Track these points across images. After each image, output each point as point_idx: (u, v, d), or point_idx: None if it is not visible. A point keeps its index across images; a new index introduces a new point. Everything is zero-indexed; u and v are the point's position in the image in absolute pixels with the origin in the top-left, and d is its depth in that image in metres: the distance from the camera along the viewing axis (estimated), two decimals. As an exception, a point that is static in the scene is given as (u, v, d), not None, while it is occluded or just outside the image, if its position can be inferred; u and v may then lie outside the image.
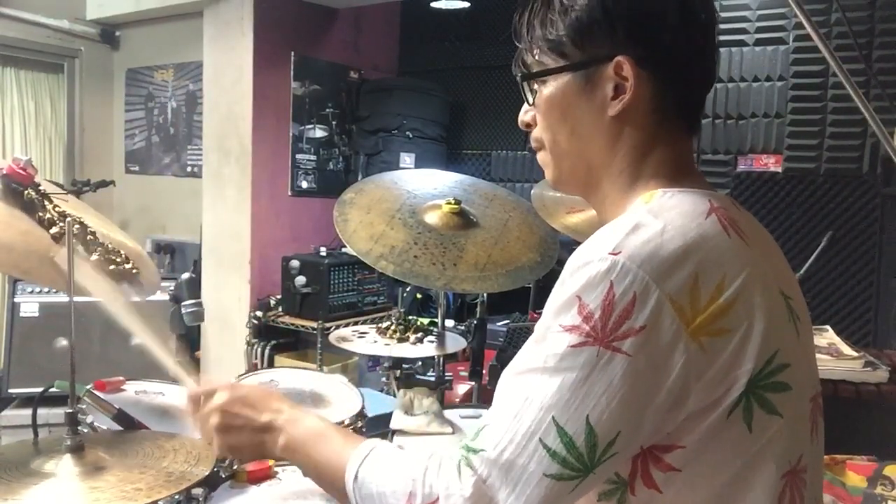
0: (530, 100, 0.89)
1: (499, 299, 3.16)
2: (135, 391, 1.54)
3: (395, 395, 1.84)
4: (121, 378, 1.55)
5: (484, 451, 0.72)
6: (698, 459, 0.73)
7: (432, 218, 1.78)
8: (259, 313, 3.77)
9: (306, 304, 3.57)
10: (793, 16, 3.27)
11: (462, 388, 3.06)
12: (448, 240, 1.73)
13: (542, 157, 0.92)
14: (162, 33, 4.68)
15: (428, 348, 1.94)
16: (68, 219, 1.00)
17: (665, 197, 0.80)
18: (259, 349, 3.79)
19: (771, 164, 3.42)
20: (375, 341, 1.96)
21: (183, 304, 1.58)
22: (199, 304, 1.60)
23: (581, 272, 0.72)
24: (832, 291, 3.23)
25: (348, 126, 4.33)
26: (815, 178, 3.29)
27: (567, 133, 0.86)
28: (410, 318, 2.12)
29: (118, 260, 1.23)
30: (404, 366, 1.95)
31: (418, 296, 3.92)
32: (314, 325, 3.51)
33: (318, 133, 4.19)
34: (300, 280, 3.55)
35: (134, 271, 1.26)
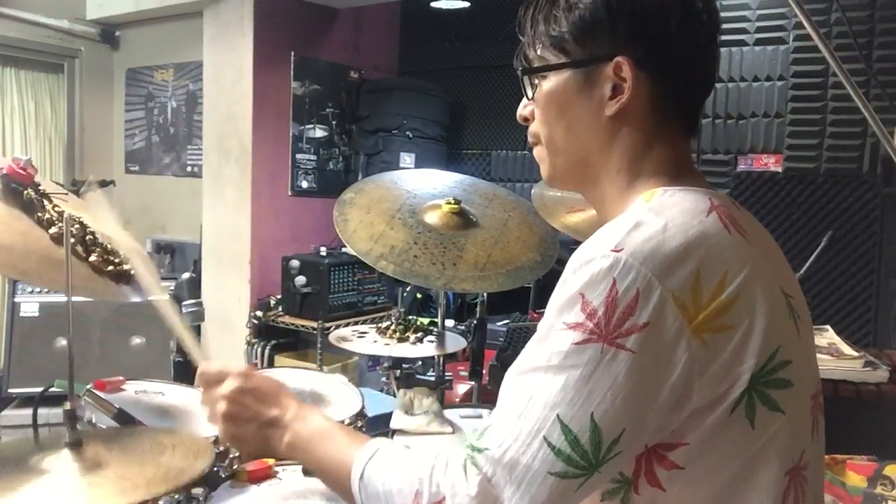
0: (530, 94, 0.90)
1: (499, 299, 3.16)
2: (135, 391, 1.54)
3: (395, 395, 1.84)
4: (121, 378, 1.55)
5: (488, 450, 0.72)
6: (702, 457, 0.73)
7: (432, 218, 1.78)
8: (259, 313, 3.77)
9: (306, 304, 3.57)
10: (793, 16, 3.27)
11: (462, 388, 3.05)
12: (448, 240, 1.73)
13: (538, 153, 0.92)
14: (162, 33, 4.67)
15: (428, 348, 1.94)
16: (66, 218, 1.00)
17: (666, 195, 0.80)
18: (259, 349, 3.79)
19: (771, 164, 3.42)
20: (375, 341, 1.96)
21: (183, 304, 1.58)
22: (200, 304, 1.60)
23: (583, 270, 0.73)
24: (832, 291, 3.23)
25: (348, 126, 4.33)
26: (815, 178, 3.29)
27: (563, 129, 0.87)
28: (410, 317, 2.12)
29: (117, 260, 1.23)
30: (404, 366, 1.95)
31: (418, 296, 3.92)
32: (314, 324, 3.51)
33: (318, 133, 4.19)
34: (300, 280, 3.55)
35: (133, 271, 1.26)
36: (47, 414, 1.58)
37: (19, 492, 0.88)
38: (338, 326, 3.22)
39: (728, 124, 3.50)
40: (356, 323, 3.13)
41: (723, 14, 3.35)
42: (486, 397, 2.20)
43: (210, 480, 1.28)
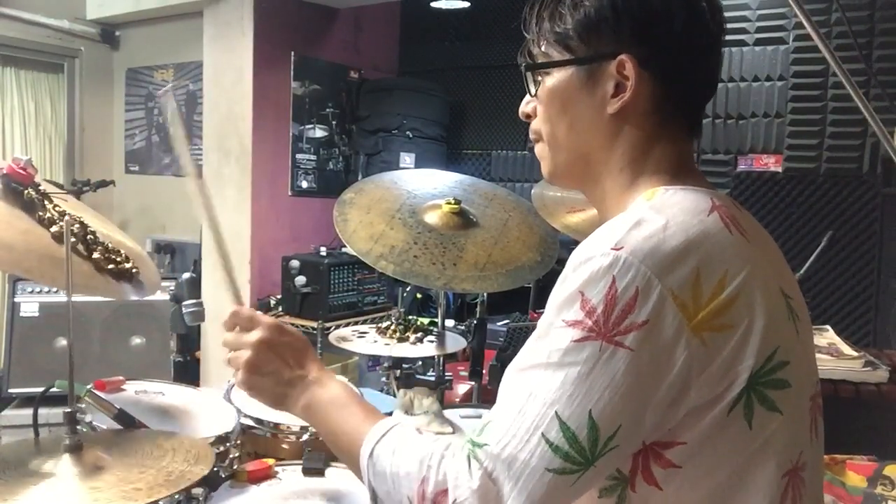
0: (533, 90, 0.90)
1: (499, 299, 3.16)
2: (135, 391, 1.54)
3: (395, 395, 1.84)
4: (121, 378, 1.55)
5: (488, 445, 0.73)
6: (699, 456, 0.73)
7: (432, 218, 1.78)
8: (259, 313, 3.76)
9: (306, 304, 3.57)
10: (793, 16, 3.27)
11: (462, 388, 3.05)
12: (448, 240, 1.73)
13: (540, 150, 0.93)
14: (162, 33, 4.67)
15: (428, 348, 1.94)
16: (67, 217, 1.00)
17: (667, 194, 0.80)
18: (259, 349, 3.78)
19: (771, 163, 3.42)
20: (375, 341, 1.96)
21: (183, 303, 1.58)
22: (200, 304, 1.60)
23: (583, 268, 0.73)
24: (832, 291, 3.23)
25: (348, 126, 4.33)
26: (815, 178, 3.29)
27: (566, 126, 0.87)
28: (410, 317, 2.12)
29: (118, 259, 1.23)
30: (404, 366, 1.94)
31: (418, 296, 3.92)
32: (314, 324, 3.51)
33: (318, 133, 4.19)
34: (300, 280, 3.55)
35: (134, 270, 1.26)
36: (47, 414, 1.57)
37: (20, 496, 0.88)
38: (338, 326, 3.22)
39: (728, 124, 3.50)
40: (356, 323, 3.13)
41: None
42: (486, 397, 2.20)
43: (210, 480, 1.28)
